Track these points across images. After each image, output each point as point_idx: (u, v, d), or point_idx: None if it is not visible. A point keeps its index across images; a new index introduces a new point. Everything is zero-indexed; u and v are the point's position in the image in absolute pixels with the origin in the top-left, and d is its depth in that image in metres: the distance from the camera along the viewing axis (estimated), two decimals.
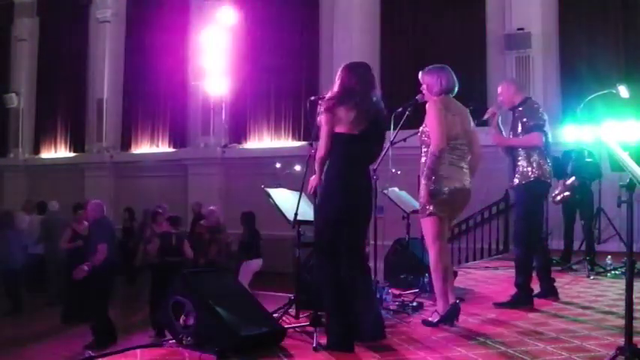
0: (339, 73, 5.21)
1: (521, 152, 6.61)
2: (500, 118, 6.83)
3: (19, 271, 12.47)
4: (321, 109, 5.12)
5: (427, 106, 5.68)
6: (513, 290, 6.69)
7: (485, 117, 6.81)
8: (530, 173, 6.53)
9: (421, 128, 5.73)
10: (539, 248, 6.95)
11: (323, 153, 5.06)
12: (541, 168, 6.55)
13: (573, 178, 9.33)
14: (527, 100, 6.83)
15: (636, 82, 11.18)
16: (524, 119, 6.59)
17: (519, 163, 6.60)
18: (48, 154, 21.20)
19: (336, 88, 5.15)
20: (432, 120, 5.53)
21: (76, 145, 20.60)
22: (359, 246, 5.30)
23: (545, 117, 6.71)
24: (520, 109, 6.71)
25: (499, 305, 6.57)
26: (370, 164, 5.35)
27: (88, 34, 20.38)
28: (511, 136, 6.75)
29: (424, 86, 5.81)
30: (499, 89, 6.99)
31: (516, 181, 6.63)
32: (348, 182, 5.06)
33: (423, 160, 5.72)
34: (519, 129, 6.64)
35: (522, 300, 6.53)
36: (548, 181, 6.72)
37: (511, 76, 12.73)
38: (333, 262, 5.03)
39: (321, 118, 5.07)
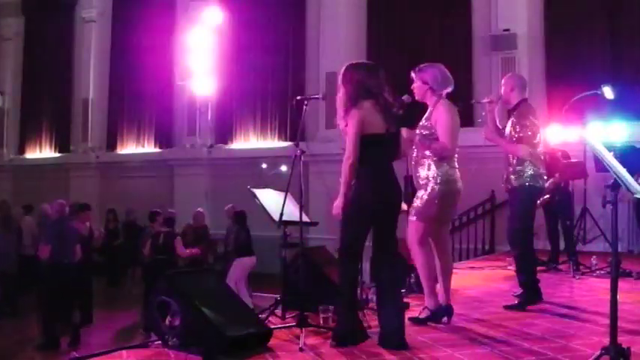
0: (347, 72, 5.15)
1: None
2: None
3: (13, 274, 12.36)
4: (341, 111, 5.07)
5: (439, 109, 5.63)
6: (498, 290, 6.70)
7: (484, 100, 6.83)
8: (526, 175, 6.50)
9: (419, 130, 5.70)
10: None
11: (353, 160, 4.94)
12: (533, 172, 6.50)
13: (550, 180, 9.35)
14: (522, 103, 6.68)
15: (621, 84, 11.24)
16: (520, 124, 6.52)
17: (516, 165, 6.59)
18: (33, 154, 21.07)
19: (347, 87, 5.08)
20: (448, 125, 5.54)
21: (62, 145, 20.48)
22: (393, 244, 5.26)
23: (537, 122, 6.63)
24: (514, 112, 6.64)
25: (509, 308, 6.49)
26: (394, 161, 5.28)
27: (73, 34, 20.27)
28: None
29: (417, 84, 5.79)
30: (502, 81, 6.95)
31: (514, 182, 6.61)
32: (378, 184, 5.05)
33: (414, 162, 5.72)
34: (510, 133, 6.61)
35: (530, 298, 6.53)
36: (542, 185, 6.70)
37: (497, 76, 12.79)
38: (355, 263, 5.07)
39: (348, 120, 4.98)
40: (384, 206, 5.09)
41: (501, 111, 6.95)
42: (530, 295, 6.54)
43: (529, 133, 6.49)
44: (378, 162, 5.06)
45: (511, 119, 6.63)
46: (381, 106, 5.06)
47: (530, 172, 6.46)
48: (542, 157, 6.76)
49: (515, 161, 6.54)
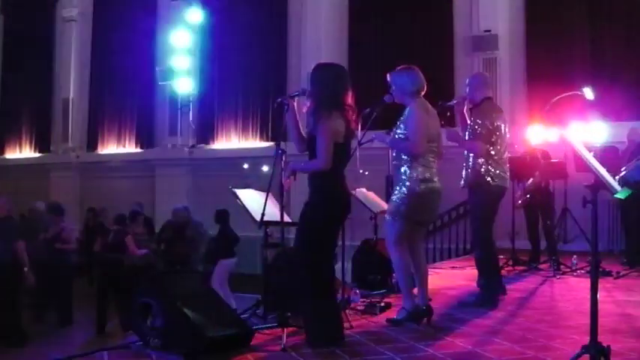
0: (317, 73, 5.18)
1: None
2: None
3: None
4: (310, 113, 5.08)
5: (409, 108, 5.67)
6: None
7: (451, 102, 6.86)
8: (477, 174, 6.48)
9: (395, 129, 5.73)
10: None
11: (327, 167, 4.92)
12: (488, 171, 6.46)
13: (531, 179, 9.38)
14: (485, 100, 6.69)
15: (601, 84, 11.31)
16: (477, 122, 6.51)
17: (469, 164, 6.59)
18: (13, 154, 20.91)
19: (317, 90, 5.09)
20: (416, 123, 5.56)
21: (42, 145, 20.34)
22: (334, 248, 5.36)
23: (500, 121, 6.56)
24: (476, 109, 6.65)
25: (464, 305, 6.61)
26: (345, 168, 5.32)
27: (54, 33, 20.13)
28: (466, 135, 6.73)
29: (393, 87, 5.81)
30: (467, 81, 6.98)
31: (467, 180, 6.63)
32: (338, 190, 5.08)
33: (394, 162, 5.74)
34: (469, 130, 6.62)
35: (486, 300, 6.55)
36: (499, 183, 6.63)
37: None
38: (322, 264, 5.04)
39: (320, 128, 4.95)
40: (344, 213, 5.20)
41: (469, 111, 6.93)
42: (485, 298, 6.57)
43: (490, 127, 6.46)
44: (339, 170, 5.10)
45: (473, 113, 6.65)
46: (344, 115, 5.08)
47: (483, 170, 6.46)
48: (504, 158, 6.69)
49: (471, 160, 6.57)
